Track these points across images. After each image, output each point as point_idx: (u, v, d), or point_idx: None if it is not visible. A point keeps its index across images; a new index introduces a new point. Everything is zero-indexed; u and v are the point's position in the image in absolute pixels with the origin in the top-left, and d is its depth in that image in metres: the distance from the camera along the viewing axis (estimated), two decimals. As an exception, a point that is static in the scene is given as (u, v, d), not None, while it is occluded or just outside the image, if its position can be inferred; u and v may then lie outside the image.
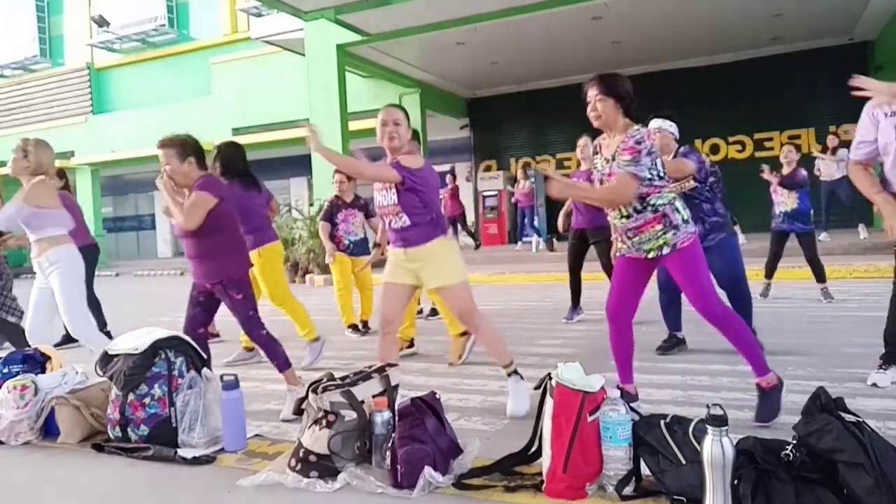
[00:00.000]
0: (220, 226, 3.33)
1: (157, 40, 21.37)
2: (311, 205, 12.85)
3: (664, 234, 2.90)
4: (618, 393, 2.22)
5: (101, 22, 20.53)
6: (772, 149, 13.91)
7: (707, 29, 12.21)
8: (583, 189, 3.24)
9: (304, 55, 12.88)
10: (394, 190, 3.21)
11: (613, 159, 2.88)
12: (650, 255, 2.96)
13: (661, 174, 2.92)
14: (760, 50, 13.59)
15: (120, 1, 21.02)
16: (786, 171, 6.32)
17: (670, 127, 4.10)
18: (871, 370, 3.50)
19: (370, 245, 5.88)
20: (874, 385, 3.39)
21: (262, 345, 3.40)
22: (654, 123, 4.03)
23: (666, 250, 2.91)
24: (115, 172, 20.41)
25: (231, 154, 4.63)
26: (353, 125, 12.98)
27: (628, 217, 2.93)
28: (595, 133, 3.27)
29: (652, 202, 2.89)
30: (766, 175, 6.45)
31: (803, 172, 6.22)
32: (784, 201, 6.28)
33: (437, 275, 3.26)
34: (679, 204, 2.95)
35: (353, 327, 5.91)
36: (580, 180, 5.48)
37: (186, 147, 3.36)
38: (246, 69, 17.72)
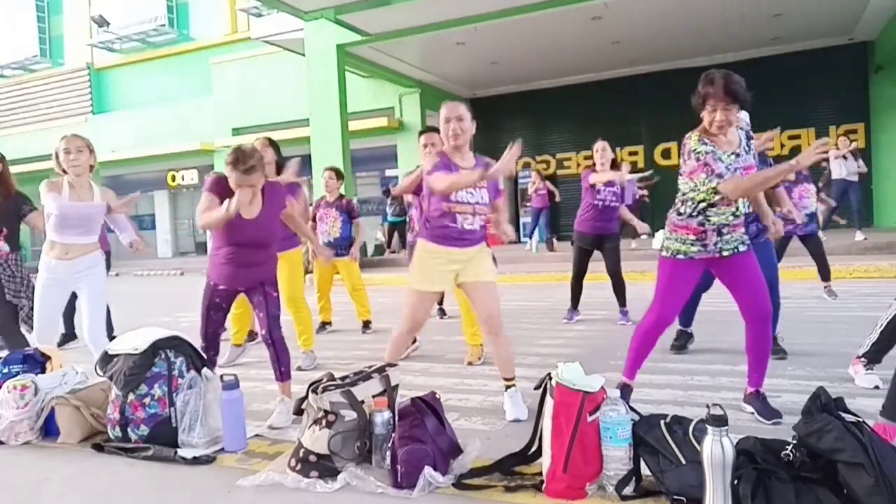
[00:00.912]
0: (277, 232, 3.38)
1: (157, 40, 21.37)
2: (311, 205, 12.83)
3: (745, 232, 2.98)
4: (618, 393, 2.21)
5: (101, 22, 20.53)
6: (772, 148, 13.91)
7: (707, 29, 12.22)
8: (770, 171, 3.01)
9: (304, 55, 12.88)
10: (484, 189, 3.14)
11: (747, 153, 2.88)
12: (724, 254, 2.94)
13: None
14: (760, 50, 13.59)
15: (120, 1, 21.03)
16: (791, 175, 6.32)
17: (744, 116, 4.05)
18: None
19: (349, 244, 5.91)
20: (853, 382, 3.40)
21: (278, 347, 3.29)
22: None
23: (742, 248, 2.94)
24: (116, 172, 20.41)
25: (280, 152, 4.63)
26: (353, 125, 12.99)
27: (737, 215, 2.92)
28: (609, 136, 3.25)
29: (747, 204, 3.00)
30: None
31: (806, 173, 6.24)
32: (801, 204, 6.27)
33: (488, 270, 3.23)
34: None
35: (323, 326, 6.06)
36: (589, 177, 5.53)
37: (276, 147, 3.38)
38: (246, 69, 17.73)
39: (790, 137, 13.83)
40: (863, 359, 3.44)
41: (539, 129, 16.49)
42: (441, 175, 3.02)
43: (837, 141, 10.74)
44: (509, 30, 11.61)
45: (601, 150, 5.57)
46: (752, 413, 3.00)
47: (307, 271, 5.85)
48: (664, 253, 3.05)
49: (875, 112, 13.71)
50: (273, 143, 4.57)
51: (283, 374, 3.32)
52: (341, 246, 5.87)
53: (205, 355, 3.29)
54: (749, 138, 2.95)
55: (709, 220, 2.91)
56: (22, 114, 22.47)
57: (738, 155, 2.84)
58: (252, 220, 3.17)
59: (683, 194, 2.98)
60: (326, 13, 11.05)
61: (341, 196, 5.96)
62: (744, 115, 3.97)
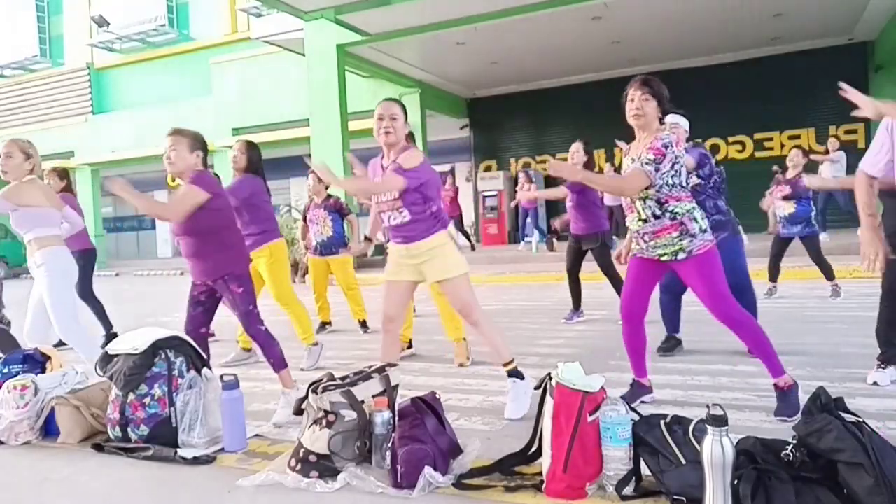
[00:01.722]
0: (218, 222, 3.30)
1: (157, 40, 21.36)
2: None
3: (680, 241, 2.95)
4: (618, 393, 2.22)
5: (101, 22, 20.52)
6: (772, 149, 13.92)
7: (707, 29, 12.21)
8: (591, 175, 3.22)
9: (304, 55, 12.88)
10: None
11: (639, 159, 2.92)
12: (663, 259, 3.01)
13: (684, 183, 2.99)
14: (760, 50, 13.58)
15: (120, 1, 21.01)
16: (791, 174, 6.37)
17: (681, 121, 4.11)
18: (871, 369, 3.50)
19: (344, 243, 5.97)
20: (874, 384, 3.39)
21: (260, 342, 3.35)
22: (669, 118, 4.03)
23: (681, 256, 2.96)
24: (116, 172, 20.41)
25: (258, 152, 4.68)
26: (353, 125, 12.98)
27: (646, 221, 2.99)
28: (606, 136, 3.30)
29: (671, 209, 2.94)
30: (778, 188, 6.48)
31: (803, 183, 6.29)
32: (783, 206, 6.37)
33: (439, 268, 3.25)
34: (698, 214, 3.00)
35: (323, 326, 6.12)
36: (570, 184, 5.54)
37: (198, 141, 3.34)
38: (246, 69, 17.71)
39: (790, 137, 13.82)
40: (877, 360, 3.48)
41: (539, 129, 16.49)
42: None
43: (828, 144, 10.86)
44: (509, 30, 11.60)
45: (574, 152, 5.65)
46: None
47: (305, 272, 5.90)
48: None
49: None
50: (252, 146, 4.65)
51: (274, 364, 3.36)
52: (335, 245, 5.92)
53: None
54: (656, 157, 2.91)
55: (630, 228, 3.11)
56: (22, 114, 22.45)
57: (633, 161, 2.99)
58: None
59: None
60: (326, 13, 11.04)
61: (328, 196, 6.00)
62: (681, 121, 4.05)
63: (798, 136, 13.76)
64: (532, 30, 11.69)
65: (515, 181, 15.78)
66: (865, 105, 2.48)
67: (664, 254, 3.00)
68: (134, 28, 20.89)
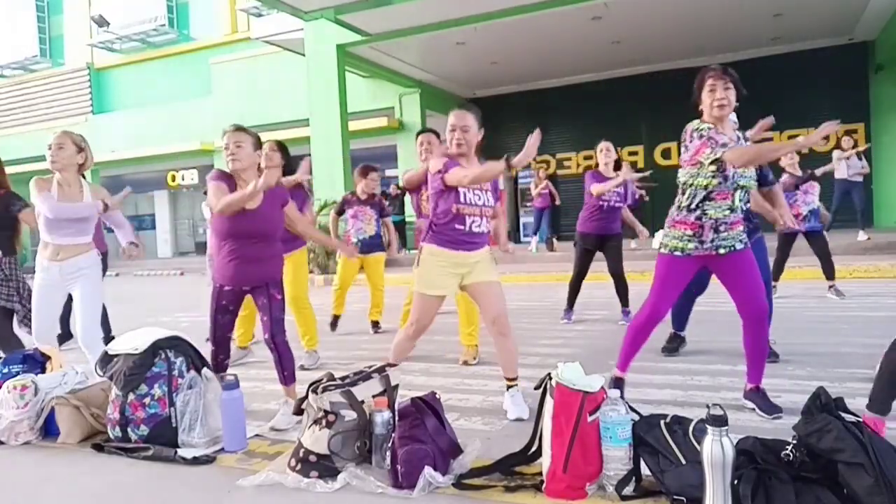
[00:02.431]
0: (280, 228, 3.34)
1: (157, 40, 21.35)
2: (311, 204, 12.85)
3: (742, 233, 3.01)
4: (617, 393, 2.22)
5: (101, 22, 20.51)
6: (771, 138, 13.91)
7: (707, 29, 12.22)
8: (769, 145, 3.15)
9: (304, 55, 12.88)
10: (489, 192, 3.18)
11: (745, 139, 3.00)
12: (721, 252, 2.97)
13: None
14: (760, 50, 13.59)
15: (120, 1, 21.01)
16: (787, 175, 6.35)
17: (731, 115, 4.08)
18: (871, 369, 3.49)
19: (383, 241, 5.94)
20: None
21: (281, 351, 3.26)
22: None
23: (739, 246, 2.97)
24: (115, 172, 20.41)
25: (288, 152, 4.64)
26: (353, 125, 12.99)
27: (733, 211, 2.96)
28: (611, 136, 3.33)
29: (747, 201, 3.04)
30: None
31: (808, 171, 6.31)
32: (805, 200, 6.29)
33: (493, 271, 3.24)
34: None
35: (335, 320, 6.02)
36: (594, 182, 5.51)
37: (258, 141, 3.32)
38: (246, 69, 17.72)
39: (790, 137, 13.80)
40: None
41: (539, 129, 16.49)
42: (459, 169, 3.06)
43: (841, 141, 10.73)
44: (509, 30, 11.60)
45: (605, 151, 5.58)
46: (754, 409, 3.03)
47: (326, 270, 5.85)
48: (662, 250, 3.10)
49: (875, 112, 13.71)
50: (281, 147, 4.61)
51: (286, 377, 3.28)
52: (374, 244, 5.90)
53: (215, 359, 3.31)
54: (743, 138, 2.98)
55: (706, 215, 2.95)
56: (22, 114, 22.46)
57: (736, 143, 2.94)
58: (253, 210, 3.15)
59: (685, 184, 3.02)
60: (326, 13, 11.05)
61: (373, 195, 5.91)
62: (731, 115, 4.03)
63: (798, 136, 13.76)
64: (532, 30, 11.69)
65: (515, 181, 15.79)
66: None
67: (727, 246, 2.97)
68: (134, 28, 20.88)
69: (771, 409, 2.98)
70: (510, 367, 3.24)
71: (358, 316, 7.25)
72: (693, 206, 2.97)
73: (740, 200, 2.96)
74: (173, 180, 20.52)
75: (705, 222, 2.95)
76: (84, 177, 3.88)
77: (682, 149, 3.04)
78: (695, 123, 2.97)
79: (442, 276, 3.16)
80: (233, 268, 3.19)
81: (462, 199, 3.09)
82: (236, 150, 3.18)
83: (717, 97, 2.90)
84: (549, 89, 15.83)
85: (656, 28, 12.00)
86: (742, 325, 3.02)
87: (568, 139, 16.23)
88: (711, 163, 2.85)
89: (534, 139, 2.92)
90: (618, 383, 3.22)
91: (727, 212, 2.93)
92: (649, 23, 11.69)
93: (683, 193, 3.02)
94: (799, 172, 6.36)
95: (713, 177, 2.90)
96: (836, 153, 10.02)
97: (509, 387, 3.24)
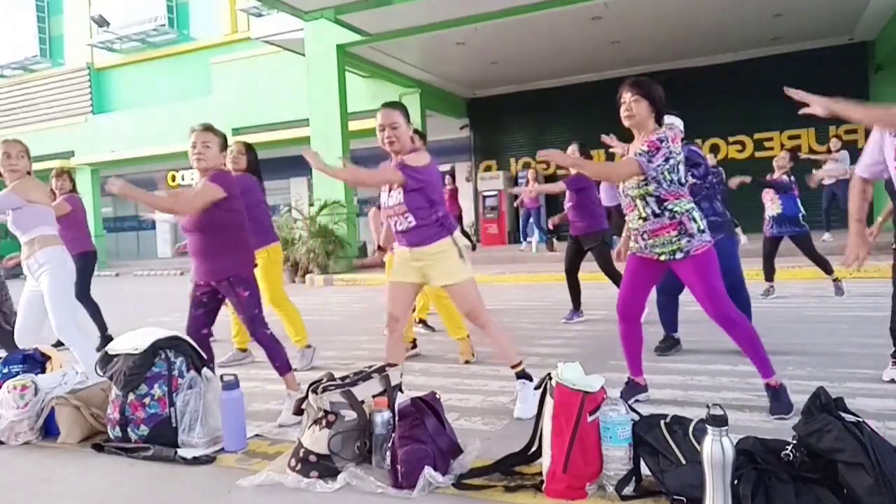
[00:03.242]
0: (229, 222, 3.29)
1: (157, 40, 21.35)
2: (311, 205, 12.85)
3: (678, 240, 2.99)
4: (618, 392, 2.22)
5: (101, 22, 20.51)
6: (772, 149, 13.91)
7: (707, 29, 12.21)
8: (580, 160, 3.35)
9: (304, 55, 12.87)
10: (399, 190, 3.20)
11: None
12: (661, 259, 3.05)
13: (682, 181, 3.03)
14: (760, 50, 13.58)
15: (120, 1, 21.01)
16: (775, 175, 6.46)
17: (676, 121, 4.12)
18: (871, 369, 3.50)
19: None
20: (892, 381, 3.40)
21: (266, 345, 3.33)
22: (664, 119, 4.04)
23: (679, 255, 3.00)
24: (115, 172, 20.39)
25: (255, 154, 4.71)
26: (353, 125, 12.98)
27: (645, 220, 3.03)
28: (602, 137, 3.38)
29: (670, 208, 2.98)
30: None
31: (785, 178, 6.40)
32: (770, 206, 6.44)
33: (444, 273, 3.25)
34: (697, 214, 3.04)
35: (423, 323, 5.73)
36: (576, 183, 5.63)
37: (225, 142, 3.41)
38: (246, 69, 17.71)
39: (790, 137, 13.83)
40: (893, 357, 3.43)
41: (539, 129, 16.48)
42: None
43: (830, 143, 10.86)
44: (509, 30, 11.60)
45: (570, 153, 5.67)
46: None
47: (326, 270, 5.58)
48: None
49: (875, 112, 13.68)
50: (249, 148, 4.69)
51: (279, 368, 3.37)
52: None
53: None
54: (649, 149, 2.94)
55: (630, 227, 3.16)
56: (22, 114, 22.43)
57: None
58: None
59: None
60: (326, 13, 11.04)
61: None
62: (676, 121, 4.08)
63: (798, 136, 13.77)
64: (532, 30, 11.68)
65: (515, 181, 15.79)
66: (814, 102, 2.55)
67: (662, 252, 3.03)
68: (134, 28, 20.88)
69: (775, 409, 2.96)
70: (505, 353, 3.30)
71: (358, 316, 7.26)
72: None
73: (644, 208, 3.01)
74: (173, 180, 20.52)
75: (631, 232, 3.17)
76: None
77: None
78: None
79: (399, 266, 3.37)
80: (193, 261, 3.37)
81: (382, 202, 3.35)
82: (203, 150, 3.26)
83: (622, 111, 3.03)
84: (549, 89, 15.82)
85: (656, 28, 11.99)
86: None
87: (568, 139, 16.09)
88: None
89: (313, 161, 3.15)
90: (630, 387, 3.28)
91: (639, 221, 3.07)
92: (649, 23, 11.68)
93: None
94: (776, 175, 6.48)
95: (620, 192, 3.13)
96: (825, 167, 10.34)
97: (518, 376, 3.24)
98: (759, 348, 3.02)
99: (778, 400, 2.98)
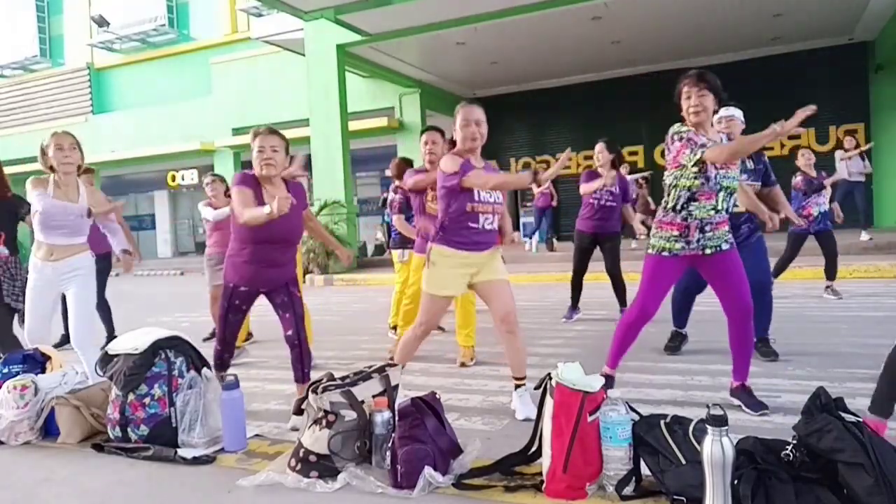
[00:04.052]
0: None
1: (157, 40, 21.37)
2: (311, 204, 12.85)
3: (728, 233, 3.06)
4: (618, 393, 2.22)
5: (101, 22, 20.52)
6: (772, 148, 13.90)
7: (707, 29, 12.22)
8: (747, 138, 3.12)
9: (304, 55, 12.88)
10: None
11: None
12: (707, 252, 3.03)
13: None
14: (760, 50, 13.59)
15: (120, 1, 21.02)
16: (810, 173, 6.33)
17: (737, 113, 4.09)
18: (872, 369, 3.49)
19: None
20: None
21: (305, 348, 3.25)
22: (723, 112, 3.98)
23: (725, 246, 3.03)
24: (115, 172, 20.40)
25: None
26: (353, 125, 12.98)
27: (717, 212, 3.01)
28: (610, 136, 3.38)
29: (733, 204, 3.08)
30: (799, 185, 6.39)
31: (823, 174, 6.33)
32: (819, 203, 6.26)
33: (502, 269, 3.26)
34: None
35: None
36: (586, 181, 5.65)
37: (288, 146, 3.31)
38: (246, 69, 17.72)
39: (790, 137, 13.75)
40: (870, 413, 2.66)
41: (539, 129, 16.49)
42: (481, 173, 3.08)
43: (843, 141, 10.76)
44: (509, 30, 11.61)
45: (598, 153, 5.69)
46: (740, 406, 3.07)
47: (326, 270, 5.52)
48: (650, 251, 3.18)
49: (875, 112, 13.70)
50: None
51: (305, 374, 3.27)
52: None
53: (220, 358, 3.34)
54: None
55: (691, 215, 3.02)
56: (22, 114, 22.46)
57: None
58: (277, 217, 3.04)
59: (670, 185, 3.10)
60: (326, 13, 11.05)
61: None
62: (737, 113, 4.05)
63: (798, 136, 13.72)
64: (532, 30, 11.69)
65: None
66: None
67: (713, 246, 3.03)
68: (134, 28, 20.90)
69: (757, 406, 3.01)
70: (519, 366, 3.22)
71: (358, 316, 7.26)
72: (678, 207, 3.04)
73: (724, 201, 3.01)
74: (173, 180, 20.52)
75: (691, 223, 3.02)
76: (91, 181, 3.88)
77: (666, 151, 3.12)
78: (675, 127, 3.04)
79: (452, 277, 3.16)
80: (253, 270, 3.19)
81: (477, 198, 3.10)
82: (272, 155, 3.15)
83: (691, 104, 2.98)
84: (549, 89, 15.83)
85: (656, 28, 12.00)
86: (727, 322, 3.08)
87: (568, 139, 16.18)
88: (694, 164, 2.92)
89: (564, 157, 3.06)
90: (608, 381, 3.24)
91: (711, 212, 2.99)
92: (649, 23, 11.69)
93: (669, 195, 3.10)
94: (814, 173, 6.37)
95: (696, 178, 2.96)
96: (838, 153, 10.04)
97: (517, 386, 3.22)
98: (752, 350, 3.10)
99: (752, 398, 3.06)
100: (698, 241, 3.02)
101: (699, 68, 3.17)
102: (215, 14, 20.21)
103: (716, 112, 3.05)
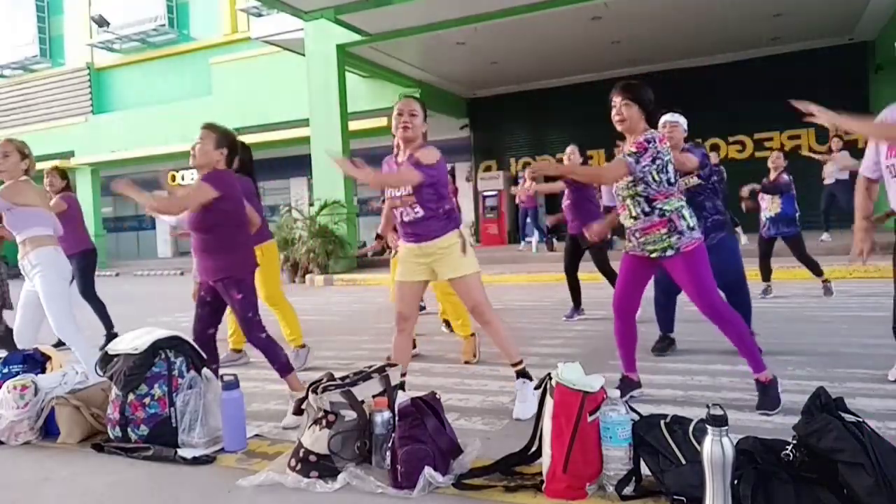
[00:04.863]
0: (224, 222, 3.27)
1: (157, 40, 21.34)
2: (311, 205, 12.85)
3: (668, 237, 3.05)
4: (618, 393, 2.22)
5: (101, 22, 20.50)
6: (771, 148, 13.92)
7: (707, 29, 12.21)
8: (570, 167, 3.43)
9: (304, 55, 12.87)
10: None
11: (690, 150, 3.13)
12: (653, 256, 3.11)
13: (672, 180, 3.08)
14: (760, 50, 13.57)
15: (120, 1, 21.00)
16: (772, 176, 6.47)
17: (679, 119, 4.13)
18: (871, 369, 3.50)
19: None
20: None
21: (262, 348, 3.32)
22: (665, 117, 4.08)
23: (669, 252, 3.05)
24: (115, 172, 20.36)
25: (249, 153, 4.67)
26: (353, 125, 12.98)
27: (636, 219, 3.10)
28: (591, 139, 3.45)
29: (659, 206, 3.05)
30: (745, 194, 6.66)
31: (785, 177, 6.39)
32: (768, 207, 6.45)
33: (452, 266, 3.25)
34: (687, 212, 3.09)
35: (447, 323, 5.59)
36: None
37: (226, 138, 3.34)
38: (246, 69, 17.71)
39: (790, 137, 13.82)
40: None
41: (539, 129, 16.48)
42: (378, 174, 3.36)
43: (831, 143, 10.86)
44: (509, 30, 11.60)
45: (569, 154, 5.84)
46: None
47: (326, 270, 5.48)
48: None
49: (875, 112, 13.67)
50: (243, 146, 4.58)
51: (279, 369, 3.35)
52: None
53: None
54: (637, 150, 3.01)
55: (624, 223, 3.22)
56: (22, 114, 22.42)
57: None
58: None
59: None
60: (326, 13, 11.04)
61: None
62: (681, 119, 4.12)
63: (798, 136, 13.76)
64: (532, 30, 11.69)
65: (515, 181, 15.79)
66: (819, 113, 2.63)
67: (654, 250, 3.10)
68: (134, 28, 20.87)
69: (761, 404, 3.02)
70: (507, 351, 3.29)
71: (358, 316, 7.26)
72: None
73: (635, 208, 3.10)
74: (173, 180, 20.52)
75: (626, 230, 3.23)
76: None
77: None
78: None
79: (406, 265, 3.33)
80: (195, 260, 3.39)
81: (388, 194, 3.34)
82: (197, 147, 3.31)
83: (614, 115, 3.13)
84: (549, 89, 15.82)
85: (656, 28, 11.99)
86: None
87: (567, 139, 16.12)
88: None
89: (345, 167, 3.12)
90: (623, 384, 3.30)
91: (630, 220, 3.14)
92: (649, 23, 11.68)
93: None
94: (773, 175, 6.49)
95: (614, 193, 3.22)
96: (826, 168, 10.33)
97: (518, 375, 3.23)
98: (750, 344, 3.09)
99: (766, 395, 3.04)
100: (636, 244, 3.17)
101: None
102: (215, 14, 20.20)
103: (649, 121, 3.12)
